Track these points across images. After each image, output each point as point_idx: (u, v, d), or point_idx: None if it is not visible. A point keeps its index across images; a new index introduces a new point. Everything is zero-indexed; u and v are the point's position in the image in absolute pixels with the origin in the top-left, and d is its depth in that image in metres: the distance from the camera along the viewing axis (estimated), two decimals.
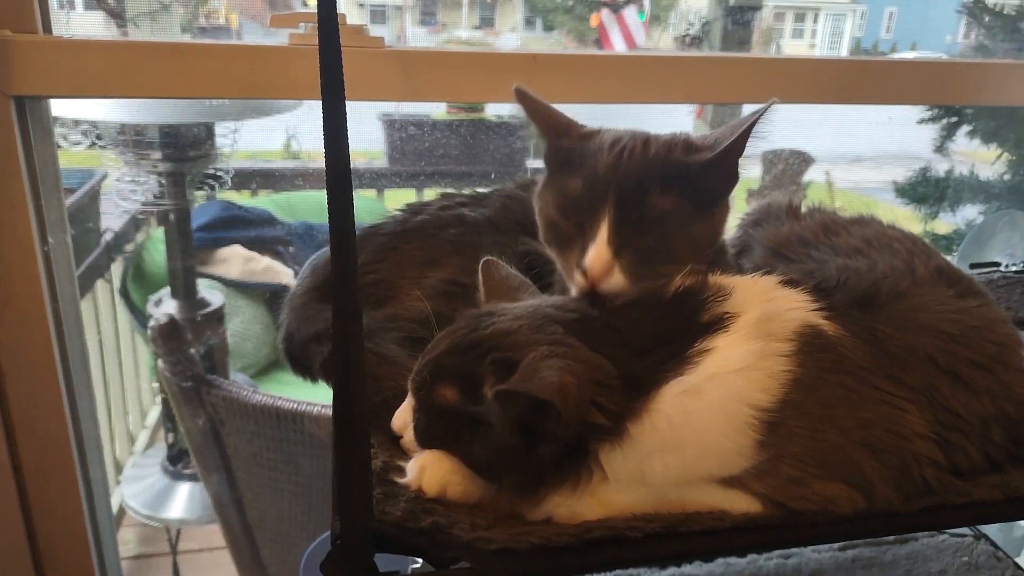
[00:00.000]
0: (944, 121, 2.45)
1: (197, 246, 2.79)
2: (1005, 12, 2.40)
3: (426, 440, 0.68)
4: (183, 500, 2.34)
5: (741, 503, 0.66)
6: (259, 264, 2.93)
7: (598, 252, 0.73)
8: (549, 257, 0.83)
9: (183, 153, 2.14)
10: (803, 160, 2.98)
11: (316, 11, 0.64)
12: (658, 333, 0.68)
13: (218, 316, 2.35)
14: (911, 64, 1.48)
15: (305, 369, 0.90)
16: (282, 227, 3.03)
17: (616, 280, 0.73)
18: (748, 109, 0.79)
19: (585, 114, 0.87)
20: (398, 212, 1.02)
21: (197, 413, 1.81)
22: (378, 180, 3.14)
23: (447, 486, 0.65)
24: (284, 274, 2.90)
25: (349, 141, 0.65)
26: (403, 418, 0.72)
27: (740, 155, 0.76)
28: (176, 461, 2.38)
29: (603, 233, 0.74)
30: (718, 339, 0.66)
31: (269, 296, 2.85)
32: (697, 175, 0.75)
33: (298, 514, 1.88)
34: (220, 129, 2.26)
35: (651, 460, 0.63)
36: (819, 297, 0.72)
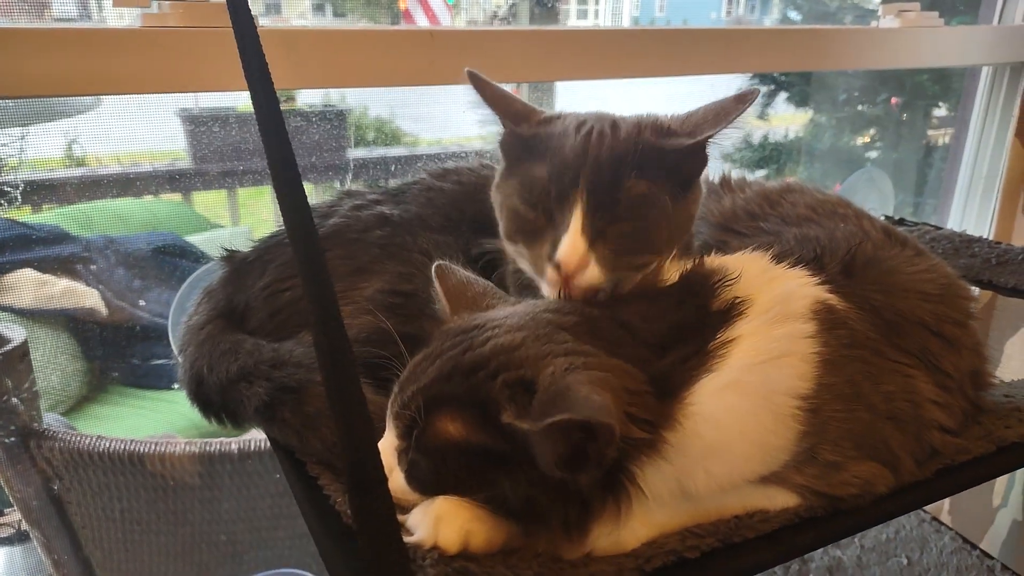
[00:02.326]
0: (764, 89, 2.60)
1: None
2: None
3: (431, 487, 0.57)
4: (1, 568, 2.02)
5: (779, 499, 0.61)
6: (55, 287, 2.60)
7: (572, 243, 0.66)
8: (505, 256, 0.75)
9: None
10: None
11: None
12: (672, 326, 0.61)
13: (22, 353, 2.03)
14: (728, 32, 1.51)
15: (227, 415, 0.74)
16: (78, 243, 2.69)
17: (592, 273, 0.67)
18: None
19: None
20: None
21: (27, 472, 1.54)
22: (183, 182, 2.87)
23: (469, 537, 0.55)
24: (87, 295, 2.58)
25: (287, 132, 0.54)
26: (385, 460, 0.60)
27: (712, 138, 0.72)
28: None
29: (576, 222, 0.67)
30: (739, 326, 0.61)
31: (72, 322, 2.54)
32: (674, 159, 0.70)
33: (160, 567, 1.67)
34: (3, 136, 1.94)
35: (693, 470, 0.57)
36: (812, 270, 0.69)
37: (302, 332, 0.77)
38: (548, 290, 0.69)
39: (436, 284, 0.69)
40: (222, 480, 1.52)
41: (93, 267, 2.69)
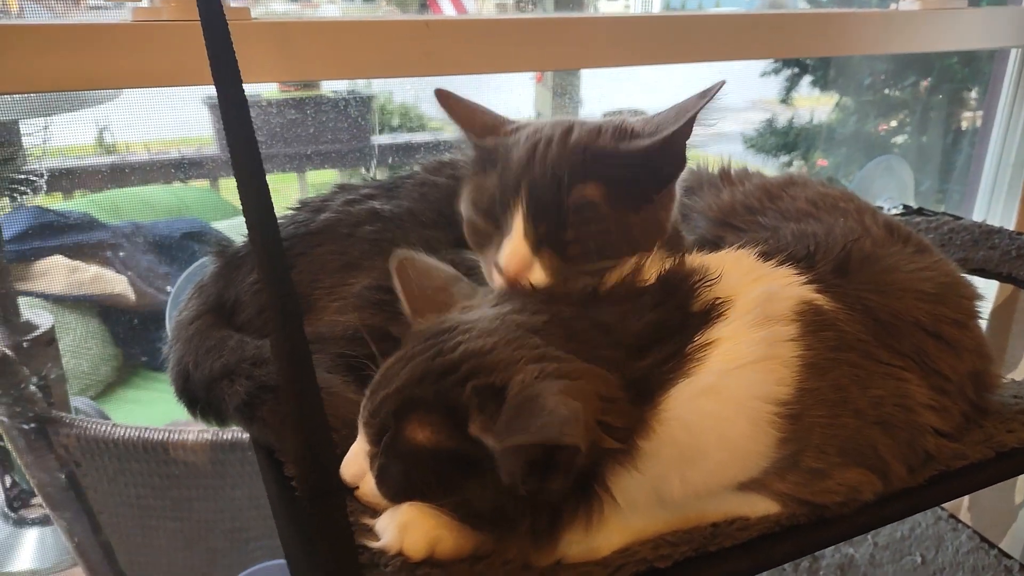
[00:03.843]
0: (787, 72, 2.54)
1: (10, 261, 2.47)
2: None
3: (400, 493, 0.56)
4: (31, 549, 2.07)
5: (760, 506, 0.60)
6: (86, 273, 2.65)
7: (513, 247, 0.66)
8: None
9: None
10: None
11: None
12: (649, 327, 0.60)
13: (48, 339, 2.07)
14: (759, 17, 1.47)
15: (211, 412, 0.75)
16: (106, 230, 2.73)
17: (537, 277, 0.66)
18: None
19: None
20: (293, 211, 0.88)
21: (46, 458, 1.57)
22: (210, 168, 2.90)
23: (435, 543, 0.54)
24: (116, 282, 2.62)
25: (253, 127, 0.53)
26: (357, 465, 0.59)
27: (687, 138, 0.70)
28: (18, 506, 2.09)
29: (518, 227, 0.67)
30: (719, 328, 0.59)
31: (101, 308, 2.58)
32: (635, 162, 0.68)
33: (174, 552, 1.70)
34: (26, 127, 1.97)
35: (668, 477, 0.55)
36: (802, 269, 0.66)
37: None
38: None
39: (395, 281, 0.68)
40: (234, 468, 1.54)
41: (122, 253, 2.73)
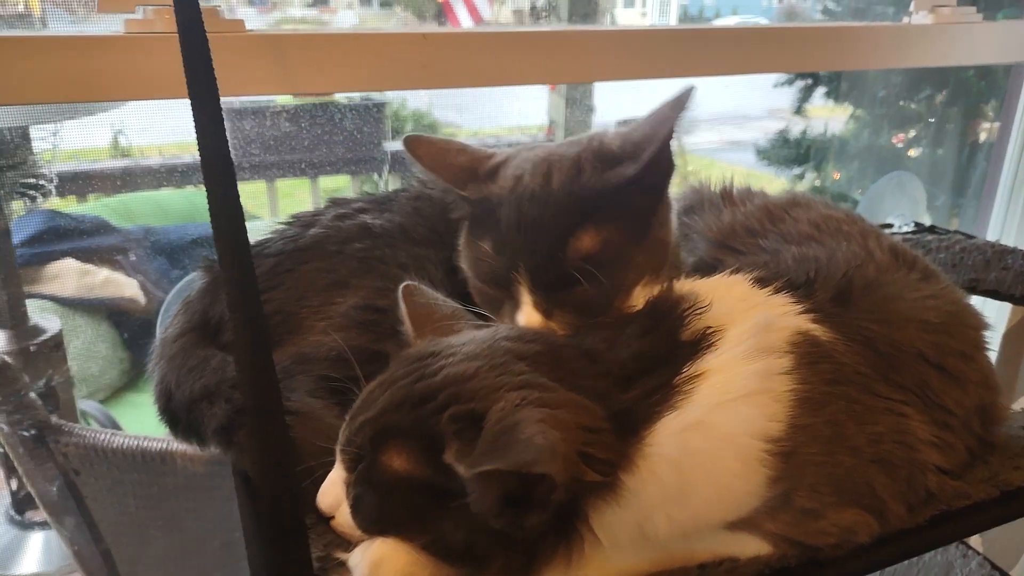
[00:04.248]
0: (801, 83, 2.51)
1: (22, 264, 2.48)
2: None
3: (374, 524, 0.54)
4: (37, 552, 2.07)
5: (751, 546, 0.57)
6: (97, 277, 2.65)
7: (528, 320, 0.66)
8: None
9: None
10: None
11: None
12: (637, 356, 0.58)
13: (55, 344, 2.07)
14: (766, 31, 1.44)
15: (192, 433, 0.73)
16: (118, 234, 2.74)
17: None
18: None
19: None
20: (283, 226, 0.86)
21: (46, 466, 1.57)
22: None
23: None
24: (127, 285, 2.63)
25: (228, 144, 0.52)
26: (333, 494, 0.58)
27: (668, 142, 0.68)
28: (24, 508, 2.09)
29: (527, 301, 0.66)
30: (708, 360, 0.56)
31: (111, 312, 2.59)
32: (623, 188, 0.66)
33: (174, 562, 1.69)
34: (37, 132, 1.98)
35: (653, 515, 0.53)
36: (799, 297, 0.64)
37: (273, 347, 0.74)
38: None
39: (401, 306, 0.66)
40: (232, 478, 1.52)
41: (133, 257, 2.74)
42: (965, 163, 2.20)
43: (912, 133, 2.42)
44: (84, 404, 2.16)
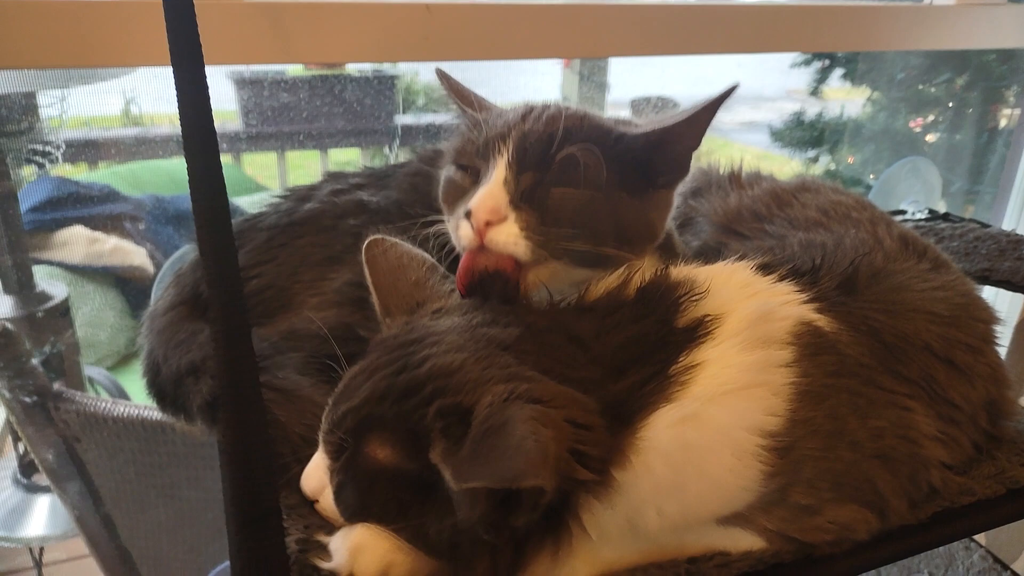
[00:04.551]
0: (818, 64, 2.46)
1: (31, 229, 2.48)
2: None
3: (355, 514, 0.53)
4: (43, 515, 2.08)
5: (744, 541, 0.55)
6: (105, 245, 2.65)
7: (489, 190, 0.61)
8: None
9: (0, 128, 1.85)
10: (669, 106, 2.95)
11: None
12: (630, 344, 0.55)
13: (62, 311, 2.07)
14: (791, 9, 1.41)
15: (179, 409, 0.72)
16: (127, 201, 2.73)
17: (509, 230, 0.61)
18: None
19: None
20: (279, 199, 0.84)
21: (46, 432, 1.57)
22: (234, 144, 2.89)
23: (388, 569, 0.51)
24: (135, 254, 2.63)
25: (212, 114, 0.50)
26: (316, 478, 0.56)
27: (694, 146, 0.66)
28: (30, 472, 2.10)
29: (499, 172, 0.62)
30: (705, 350, 0.54)
31: (120, 279, 2.59)
32: (628, 149, 0.64)
33: (174, 529, 1.69)
34: (44, 98, 1.96)
35: (644, 509, 0.51)
36: (803, 285, 0.62)
37: (263, 323, 0.73)
38: (461, 251, 0.65)
39: (365, 270, 0.63)
40: None
41: (142, 226, 2.73)
42: (983, 149, 2.15)
43: (930, 118, 2.37)
44: (91, 371, 2.16)
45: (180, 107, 0.49)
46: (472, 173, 0.65)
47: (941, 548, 1.33)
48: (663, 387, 0.53)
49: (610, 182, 0.63)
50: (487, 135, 0.64)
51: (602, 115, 0.69)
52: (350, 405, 0.53)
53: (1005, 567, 1.28)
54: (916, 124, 2.43)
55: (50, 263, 2.48)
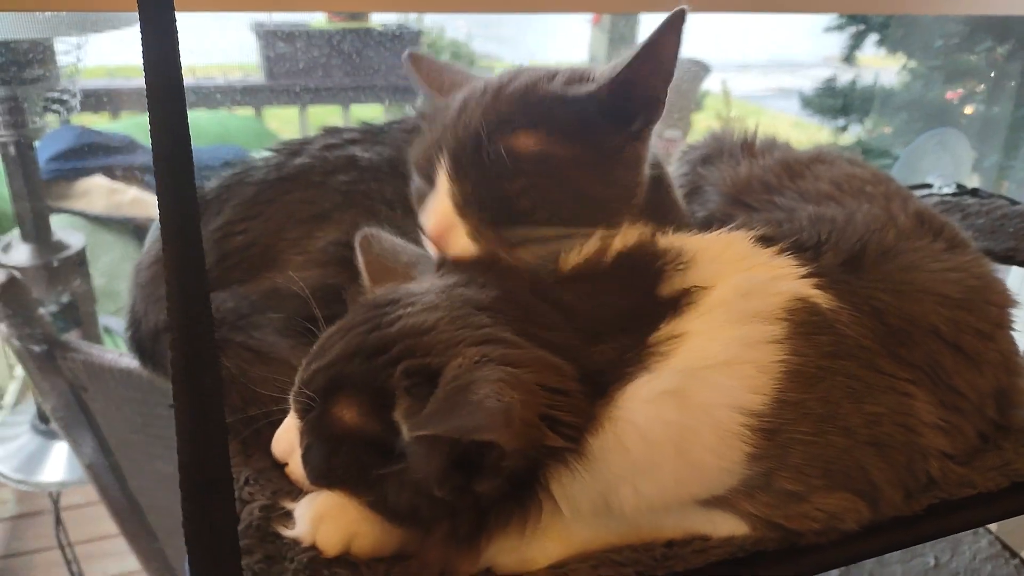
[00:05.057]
0: (852, 29, 2.37)
1: (51, 178, 2.49)
2: None
3: (320, 478, 0.51)
4: (60, 461, 2.12)
5: (724, 526, 0.53)
6: (125, 196, 2.66)
7: (435, 207, 0.60)
8: None
9: (17, 75, 1.83)
10: (701, 68, 2.87)
11: None
12: (610, 310, 0.53)
13: (78, 260, 2.08)
14: None
15: (156, 365, 0.70)
16: (147, 153, 2.72)
17: (459, 240, 0.59)
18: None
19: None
20: (271, 153, 0.82)
21: (55, 380, 1.59)
22: (255, 96, 2.87)
23: (352, 539, 0.49)
24: (154, 206, 2.63)
25: (180, 65, 0.47)
26: (287, 440, 0.55)
27: (667, 79, 0.60)
28: (48, 419, 2.14)
29: (442, 185, 0.60)
30: (689, 321, 0.52)
31: (139, 230, 2.60)
32: (585, 109, 0.60)
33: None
34: (60, 45, 1.95)
35: (619, 486, 0.49)
36: (804, 259, 0.58)
37: (245, 281, 0.71)
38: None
39: (358, 256, 0.62)
40: None
41: None
42: (1021, 123, 2.06)
43: (969, 88, 2.27)
44: (108, 320, 2.18)
45: (144, 52, 0.46)
46: (428, 179, 0.63)
47: None
48: (641, 357, 0.50)
49: (567, 157, 0.60)
50: (428, 141, 0.63)
51: (558, 72, 0.64)
52: (320, 364, 0.51)
53: (1014, 554, 1.25)
54: (954, 95, 2.34)
55: (71, 212, 2.49)
